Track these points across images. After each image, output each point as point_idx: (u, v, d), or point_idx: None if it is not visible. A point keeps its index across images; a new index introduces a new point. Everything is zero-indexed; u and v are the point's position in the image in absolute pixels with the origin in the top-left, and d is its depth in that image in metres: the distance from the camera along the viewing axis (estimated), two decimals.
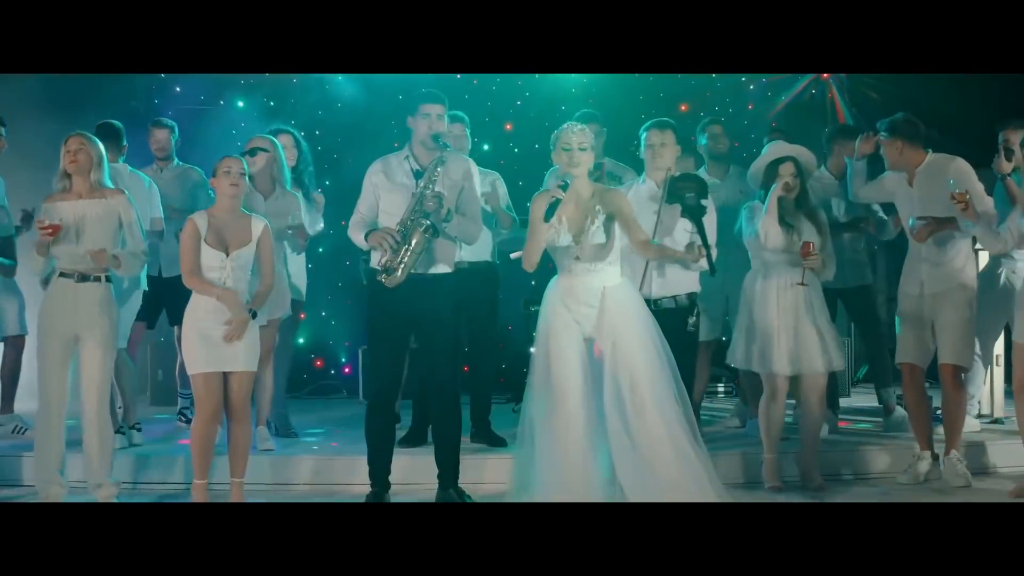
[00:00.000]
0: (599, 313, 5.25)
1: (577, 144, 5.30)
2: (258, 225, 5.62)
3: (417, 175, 5.60)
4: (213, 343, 5.47)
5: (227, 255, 5.51)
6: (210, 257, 5.48)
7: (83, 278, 5.65)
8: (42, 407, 5.66)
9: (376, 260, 5.59)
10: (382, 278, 5.50)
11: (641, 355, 5.20)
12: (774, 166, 6.10)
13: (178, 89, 9.44)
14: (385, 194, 5.63)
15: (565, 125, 5.38)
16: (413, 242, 5.48)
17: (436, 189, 5.50)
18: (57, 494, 5.65)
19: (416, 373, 6.24)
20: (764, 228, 5.99)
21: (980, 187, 6.18)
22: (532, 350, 5.40)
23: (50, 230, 5.56)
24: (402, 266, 5.48)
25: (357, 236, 5.64)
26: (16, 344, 7.16)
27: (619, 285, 5.34)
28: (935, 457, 6.31)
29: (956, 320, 6.24)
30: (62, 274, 5.67)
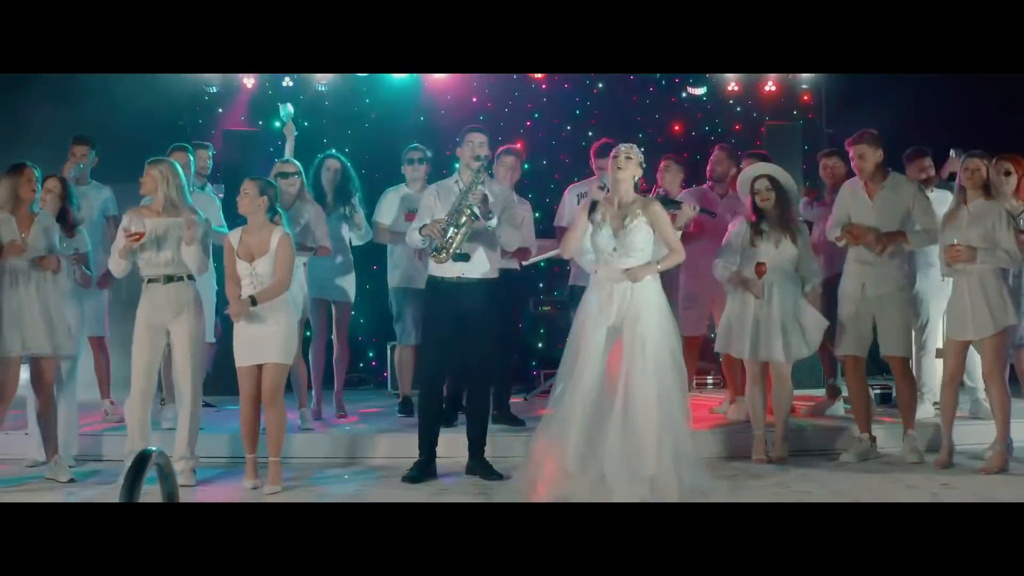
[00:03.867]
0: (629, 297, 6.12)
1: (624, 155, 6.20)
2: (276, 234, 6.43)
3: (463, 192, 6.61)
4: (250, 340, 6.38)
5: (250, 264, 6.40)
6: (241, 267, 6.42)
7: (168, 279, 6.59)
8: (134, 390, 6.57)
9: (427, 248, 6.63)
10: (432, 256, 6.55)
11: (654, 336, 6.07)
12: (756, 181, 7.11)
13: (220, 110, 10.32)
14: (441, 212, 6.61)
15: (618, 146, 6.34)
16: (460, 221, 6.50)
17: (479, 187, 6.52)
18: None
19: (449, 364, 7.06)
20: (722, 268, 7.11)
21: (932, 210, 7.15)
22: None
23: (136, 236, 6.47)
24: (451, 245, 6.50)
25: (412, 235, 6.70)
26: (98, 344, 8.07)
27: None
28: (872, 439, 7.20)
29: (900, 319, 7.16)
30: (150, 280, 6.60)
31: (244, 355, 6.41)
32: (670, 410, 6.04)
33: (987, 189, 6.75)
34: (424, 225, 6.59)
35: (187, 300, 6.62)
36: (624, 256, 6.18)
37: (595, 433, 5.99)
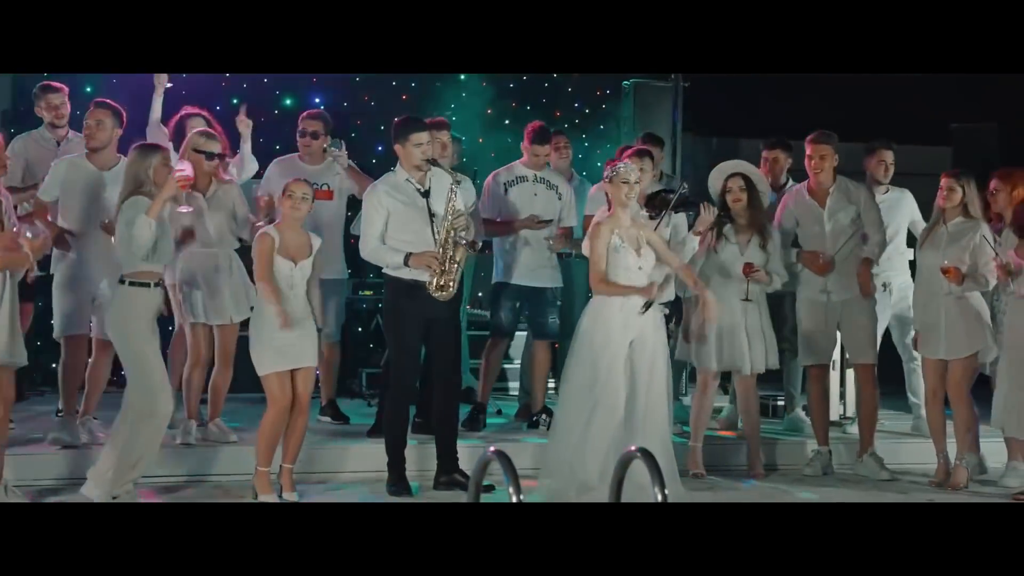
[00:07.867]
0: (649, 314, 6.37)
1: (634, 179, 6.42)
2: (316, 241, 6.40)
3: (422, 195, 6.38)
4: (284, 343, 6.18)
5: (295, 265, 6.25)
6: (283, 265, 6.22)
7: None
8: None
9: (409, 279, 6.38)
10: (437, 295, 6.34)
11: (665, 347, 6.56)
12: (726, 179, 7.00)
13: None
14: (398, 215, 6.38)
15: (624, 165, 6.44)
16: (458, 259, 6.39)
17: (457, 208, 6.40)
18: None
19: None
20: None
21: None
22: (574, 355, 6.44)
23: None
24: (453, 282, 6.37)
25: (391, 258, 6.38)
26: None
27: None
28: (829, 452, 7.22)
29: (867, 324, 7.15)
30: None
31: (277, 360, 6.22)
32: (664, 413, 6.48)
33: (966, 208, 6.76)
34: (411, 255, 6.32)
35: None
36: (645, 275, 6.42)
37: (618, 447, 6.05)
